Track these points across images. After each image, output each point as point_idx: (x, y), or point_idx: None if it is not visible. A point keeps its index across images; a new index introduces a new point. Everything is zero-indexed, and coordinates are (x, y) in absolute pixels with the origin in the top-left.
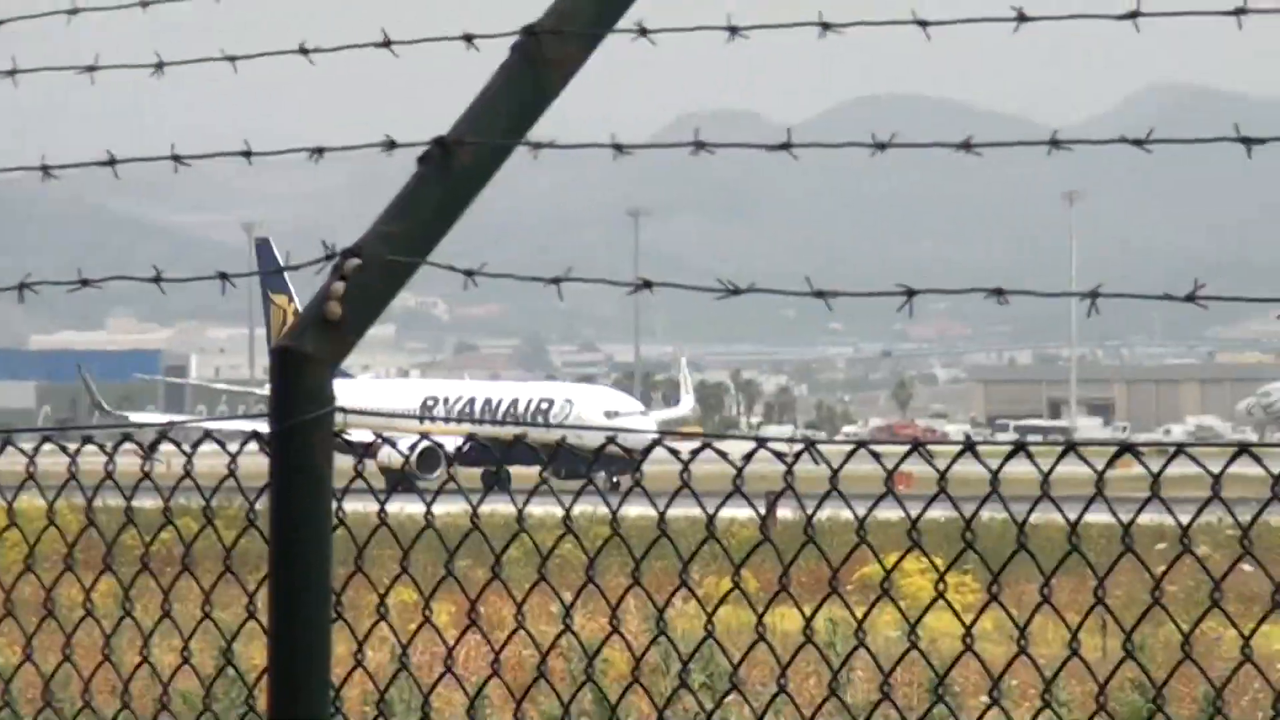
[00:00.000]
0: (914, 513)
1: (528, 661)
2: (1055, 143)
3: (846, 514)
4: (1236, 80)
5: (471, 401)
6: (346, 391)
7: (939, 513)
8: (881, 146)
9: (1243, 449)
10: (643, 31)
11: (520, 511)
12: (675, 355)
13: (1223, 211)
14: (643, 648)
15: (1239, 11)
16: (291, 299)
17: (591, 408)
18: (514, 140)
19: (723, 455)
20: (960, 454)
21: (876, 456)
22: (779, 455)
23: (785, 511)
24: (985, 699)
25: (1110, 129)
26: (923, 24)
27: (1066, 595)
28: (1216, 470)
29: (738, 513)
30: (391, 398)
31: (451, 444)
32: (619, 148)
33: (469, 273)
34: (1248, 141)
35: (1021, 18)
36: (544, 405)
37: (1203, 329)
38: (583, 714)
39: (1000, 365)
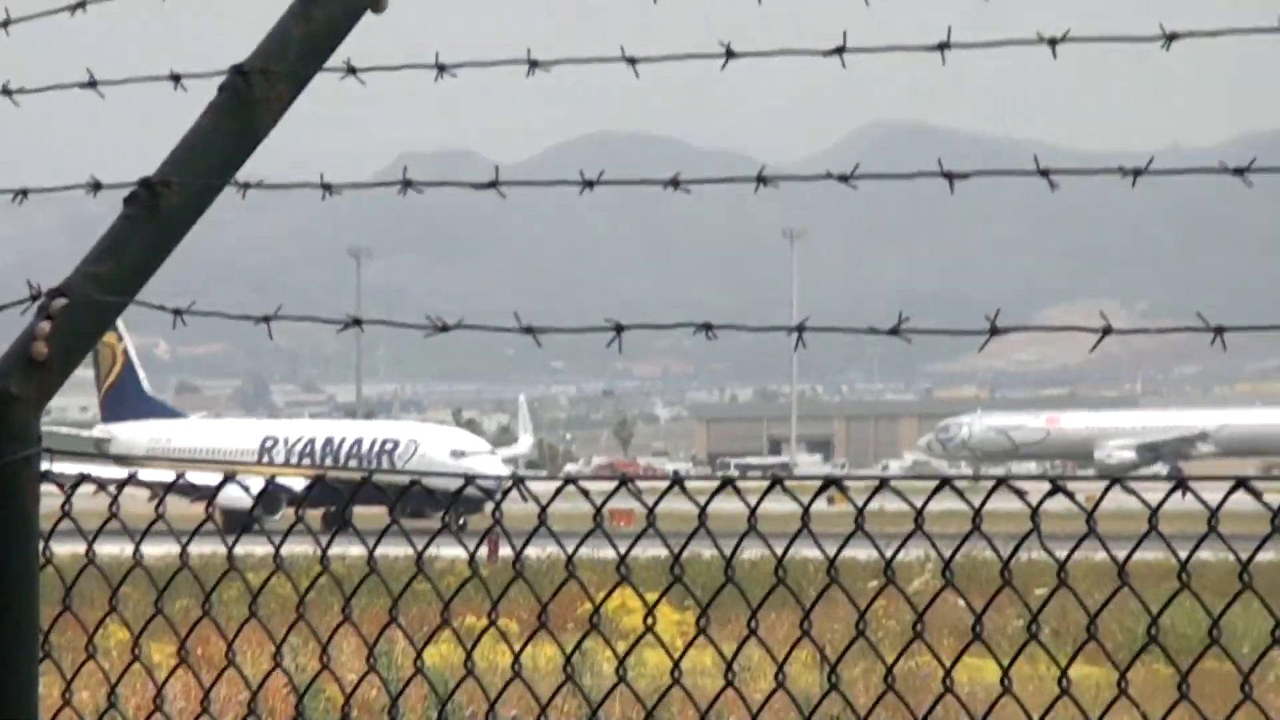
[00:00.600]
0: (624, 548)
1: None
2: (762, 179)
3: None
4: (949, 116)
5: (312, 442)
6: (180, 431)
7: (656, 550)
8: (590, 184)
9: (944, 482)
10: (351, 70)
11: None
12: (397, 394)
13: (942, 247)
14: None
15: (942, 46)
16: (120, 335)
17: (437, 447)
18: (221, 180)
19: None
20: (668, 489)
21: (585, 494)
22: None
23: (535, 550)
24: None
25: (828, 166)
26: (631, 61)
27: (784, 630)
28: (920, 504)
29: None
30: (228, 438)
31: (297, 486)
32: (327, 187)
33: (177, 311)
34: (950, 176)
35: (729, 54)
36: (389, 445)
37: (922, 365)
38: None
39: (721, 403)
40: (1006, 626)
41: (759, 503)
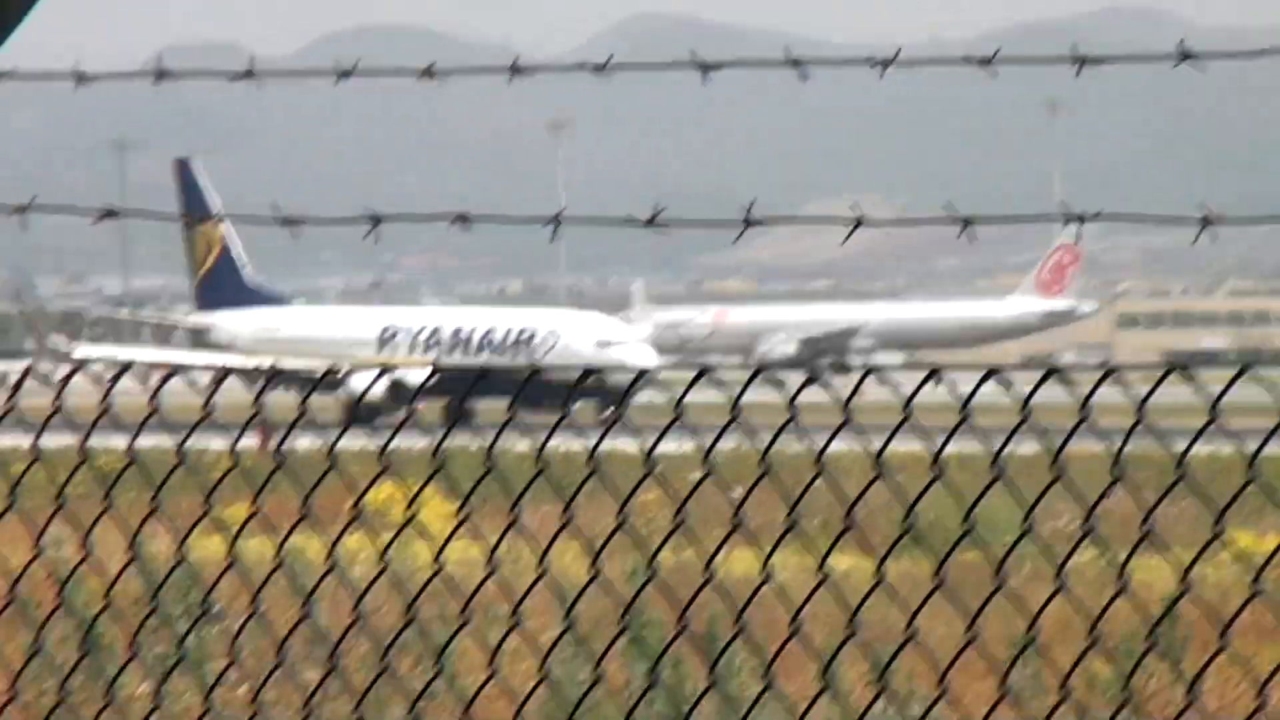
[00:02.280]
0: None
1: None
2: (516, 69)
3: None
4: (720, 9)
5: (438, 331)
6: (289, 319)
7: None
8: (345, 74)
9: (702, 372)
10: None
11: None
12: (165, 287)
13: (711, 141)
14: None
15: None
16: (219, 222)
17: (581, 337)
18: None
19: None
20: (428, 379)
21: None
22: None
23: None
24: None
25: (591, 58)
26: None
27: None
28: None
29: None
30: (343, 326)
31: (416, 378)
32: (80, 76)
33: None
34: (705, 67)
35: None
36: (525, 335)
37: (690, 257)
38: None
39: (489, 295)
40: (777, 519)
41: (516, 395)
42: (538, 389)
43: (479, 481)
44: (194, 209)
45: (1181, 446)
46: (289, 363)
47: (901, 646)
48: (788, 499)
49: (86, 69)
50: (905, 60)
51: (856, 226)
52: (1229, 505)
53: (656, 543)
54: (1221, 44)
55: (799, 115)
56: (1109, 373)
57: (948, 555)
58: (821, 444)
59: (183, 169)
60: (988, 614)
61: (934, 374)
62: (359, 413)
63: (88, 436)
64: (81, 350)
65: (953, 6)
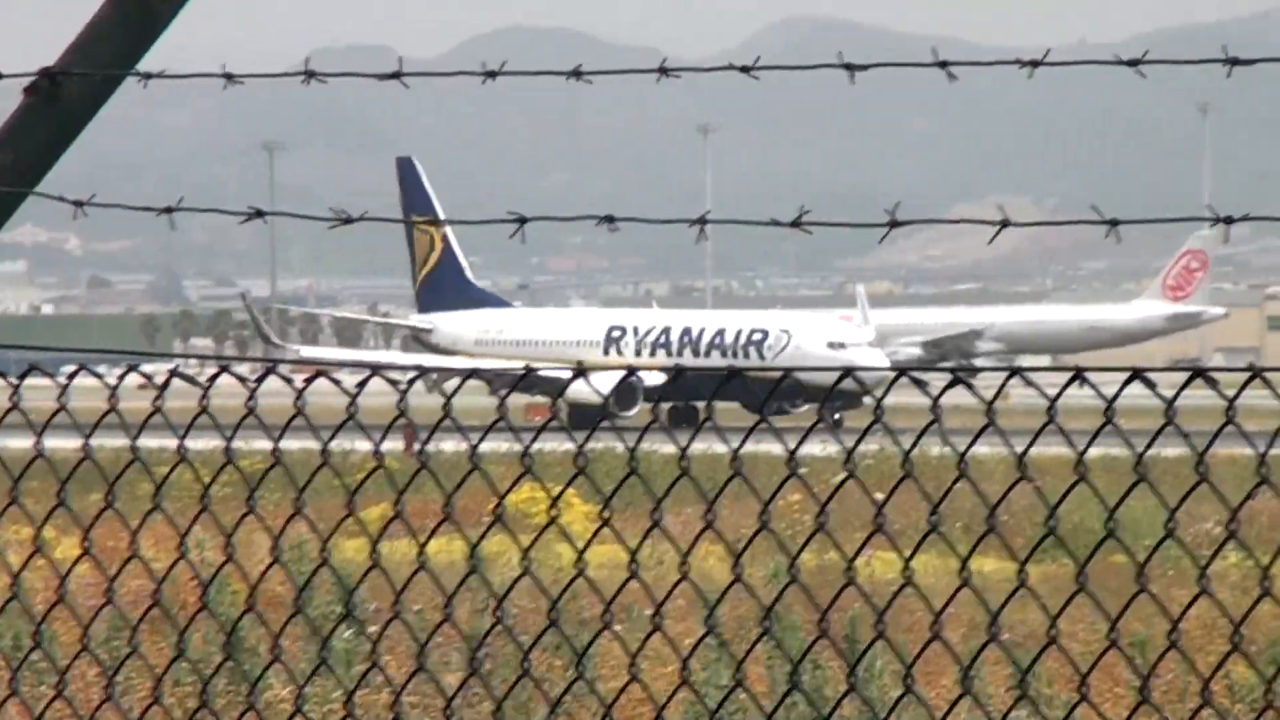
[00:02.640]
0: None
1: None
2: (664, 70)
3: (503, 446)
4: (874, 13)
5: (667, 332)
6: (514, 321)
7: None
8: (492, 74)
9: (902, 372)
10: None
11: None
12: (313, 288)
13: (855, 143)
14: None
15: None
16: (439, 222)
17: (812, 338)
18: (122, 71)
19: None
20: (573, 378)
21: (490, 385)
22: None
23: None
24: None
25: (739, 61)
26: None
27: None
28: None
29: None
30: (570, 328)
31: (646, 380)
32: (229, 77)
33: (78, 203)
34: (850, 68)
35: None
36: (756, 336)
37: (836, 260)
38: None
39: (638, 296)
40: (920, 521)
41: (767, 397)
42: (766, 391)
43: (621, 483)
44: (418, 208)
45: None
46: (492, 364)
47: (1043, 650)
48: (931, 501)
49: (239, 71)
50: (1052, 61)
51: (1002, 228)
52: None
53: (798, 545)
54: None
55: (948, 118)
56: (1254, 375)
57: (1089, 558)
58: (964, 446)
59: (405, 167)
60: (1129, 617)
61: (1078, 375)
62: (584, 414)
63: (232, 438)
64: (306, 350)
65: (1100, 13)
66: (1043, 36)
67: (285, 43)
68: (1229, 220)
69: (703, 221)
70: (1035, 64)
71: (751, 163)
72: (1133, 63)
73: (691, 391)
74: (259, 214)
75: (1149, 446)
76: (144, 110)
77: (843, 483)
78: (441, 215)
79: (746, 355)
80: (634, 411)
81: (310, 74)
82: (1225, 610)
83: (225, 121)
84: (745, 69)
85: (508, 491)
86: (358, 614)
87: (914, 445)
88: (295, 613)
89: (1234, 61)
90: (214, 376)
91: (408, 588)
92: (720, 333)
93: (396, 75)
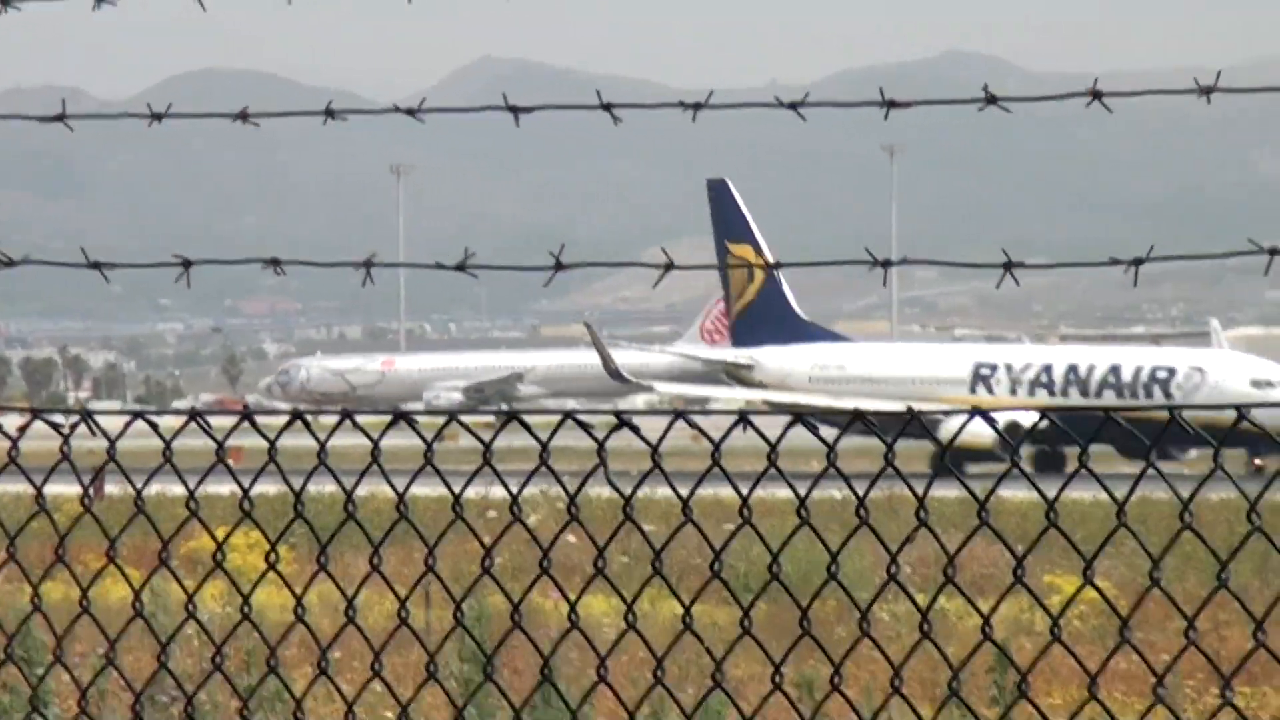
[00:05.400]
0: (245, 485)
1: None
2: (330, 113)
3: (178, 489)
4: (567, 55)
5: (1048, 369)
6: (857, 356)
7: (270, 486)
8: (157, 117)
9: (508, 416)
10: None
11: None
12: (1, 331)
13: (547, 186)
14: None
15: None
16: (759, 250)
17: (1234, 376)
18: None
19: None
20: (288, 424)
21: (207, 429)
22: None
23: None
24: (313, 670)
25: (436, 102)
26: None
27: (393, 566)
28: (487, 438)
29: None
30: (927, 364)
31: (1025, 421)
32: None
33: None
34: (515, 110)
35: None
36: (1161, 374)
37: (528, 303)
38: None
39: (330, 340)
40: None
41: (381, 437)
42: (1166, 434)
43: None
44: (733, 233)
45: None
46: (867, 404)
47: (709, 692)
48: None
49: None
50: (715, 104)
51: (666, 270)
52: (1031, 546)
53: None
54: None
55: (649, 161)
56: (740, 419)
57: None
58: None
59: (718, 190)
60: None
61: (742, 419)
62: (953, 459)
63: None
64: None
65: (790, 54)
66: (734, 78)
67: None
68: (887, 264)
69: (369, 264)
70: (698, 106)
71: (446, 204)
72: (793, 105)
73: (1062, 434)
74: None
75: (810, 490)
76: None
77: (561, 530)
78: (760, 240)
79: (1149, 394)
80: (1020, 455)
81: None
82: (884, 652)
83: None
84: (411, 111)
85: (229, 535)
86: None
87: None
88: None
89: (891, 104)
90: (1038, 423)
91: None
92: (1115, 370)
93: (60, 117)
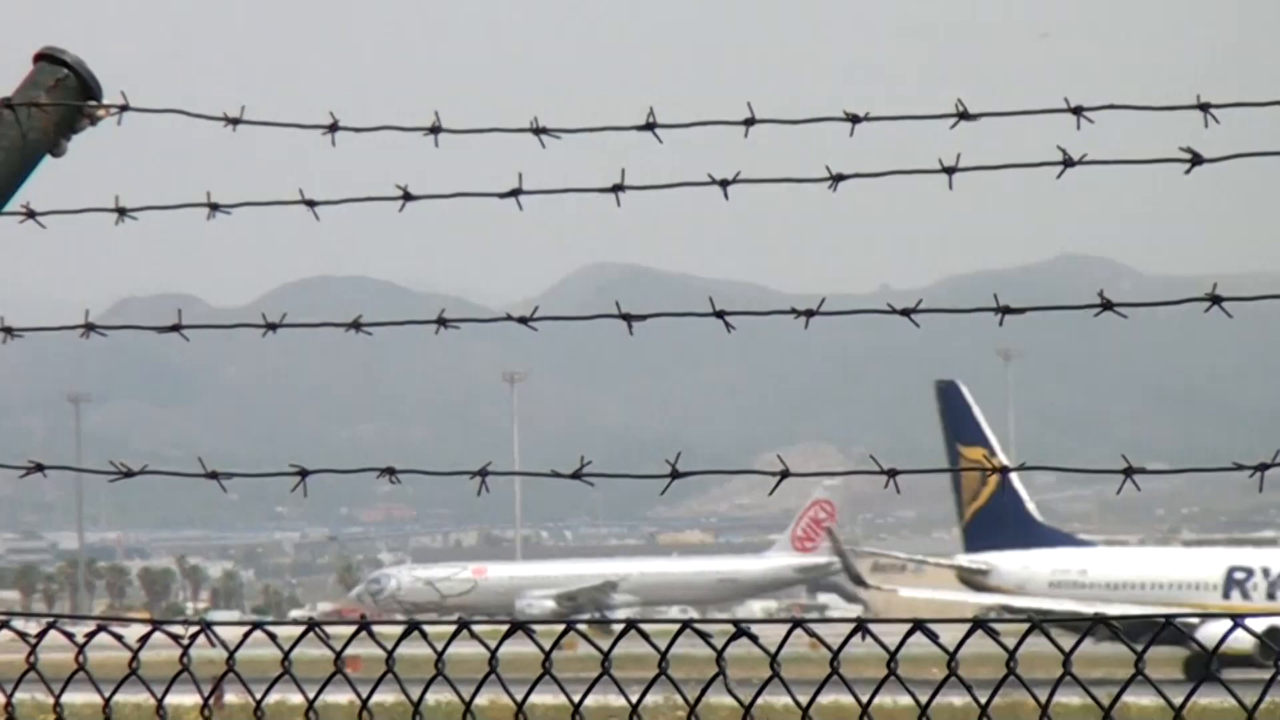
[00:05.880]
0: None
1: None
2: (443, 322)
3: (296, 697)
4: (677, 261)
5: None
6: (1099, 561)
7: (388, 695)
8: (272, 327)
9: (631, 624)
10: (30, 215)
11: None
12: (120, 541)
13: (662, 390)
14: None
15: (617, 188)
16: (992, 452)
17: None
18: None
19: None
20: (405, 634)
21: (325, 640)
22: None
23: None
24: None
25: (549, 308)
26: (310, 204)
27: None
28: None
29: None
30: (1176, 568)
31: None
32: (8, 330)
33: None
34: (628, 318)
35: (407, 196)
36: None
37: (644, 509)
38: None
39: (446, 547)
40: None
41: (498, 646)
42: None
43: None
44: (965, 436)
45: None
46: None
47: None
48: None
49: (48, 323)
50: (826, 311)
51: (782, 479)
52: None
53: None
54: None
55: (757, 366)
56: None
57: None
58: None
59: (949, 392)
60: None
61: (861, 627)
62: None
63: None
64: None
65: (902, 259)
66: (845, 284)
67: (97, 292)
68: (1005, 470)
69: (484, 473)
70: (811, 313)
71: (560, 410)
72: (905, 311)
73: None
74: (39, 468)
75: (933, 698)
76: None
77: None
78: (993, 441)
79: None
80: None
81: (90, 326)
82: None
83: (35, 372)
84: (523, 320)
85: None
86: None
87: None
88: None
89: (1006, 310)
90: (41, 633)
91: None
92: None
93: (175, 328)
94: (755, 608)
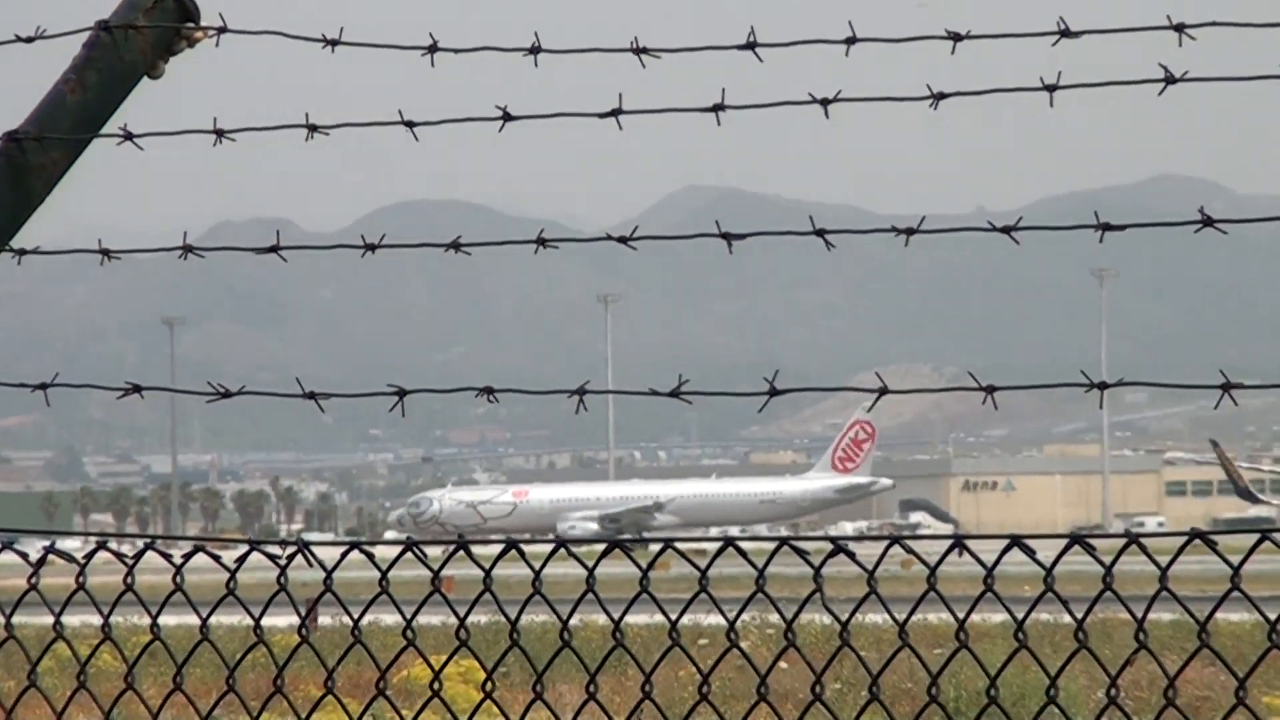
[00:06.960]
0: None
1: None
2: (542, 241)
3: (389, 618)
4: (774, 183)
5: None
6: None
7: (483, 615)
8: (371, 248)
9: (728, 542)
10: (128, 136)
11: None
12: (214, 464)
13: (756, 311)
14: None
15: (717, 108)
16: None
17: None
18: (90, 135)
19: None
20: (502, 554)
21: (423, 559)
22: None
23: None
24: None
25: (644, 230)
26: (409, 125)
27: (605, 694)
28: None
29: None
30: None
31: None
32: (106, 253)
33: None
34: (728, 237)
35: (507, 117)
36: None
37: (738, 429)
38: None
39: (540, 469)
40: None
41: (594, 566)
42: None
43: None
44: None
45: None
46: None
47: None
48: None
49: (145, 245)
50: (927, 229)
51: (880, 395)
52: (1254, 667)
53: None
54: None
55: (852, 286)
56: (1130, 541)
57: None
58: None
59: None
60: None
61: (958, 543)
62: None
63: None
64: None
65: (996, 181)
66: (940, 204)
67: (191, 216)
68: (1103, 386)
69: (582, 392)
70: (911, 231)
71: (653, 331)
72: (1007, 229)
73: None
74: (136, 389)
75: (1029, 614)
76: (47, 286)
77: (726, 651)
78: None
79: None
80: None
81: (188, 248)
82: None
83: (129, 296)
84: (623, 239)
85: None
86: None
87: (791, 615)
88: None
89: (1106, 227)
90: (139, 555)
91: None
92: None
93: (274, 249)
94: (848, 527)
